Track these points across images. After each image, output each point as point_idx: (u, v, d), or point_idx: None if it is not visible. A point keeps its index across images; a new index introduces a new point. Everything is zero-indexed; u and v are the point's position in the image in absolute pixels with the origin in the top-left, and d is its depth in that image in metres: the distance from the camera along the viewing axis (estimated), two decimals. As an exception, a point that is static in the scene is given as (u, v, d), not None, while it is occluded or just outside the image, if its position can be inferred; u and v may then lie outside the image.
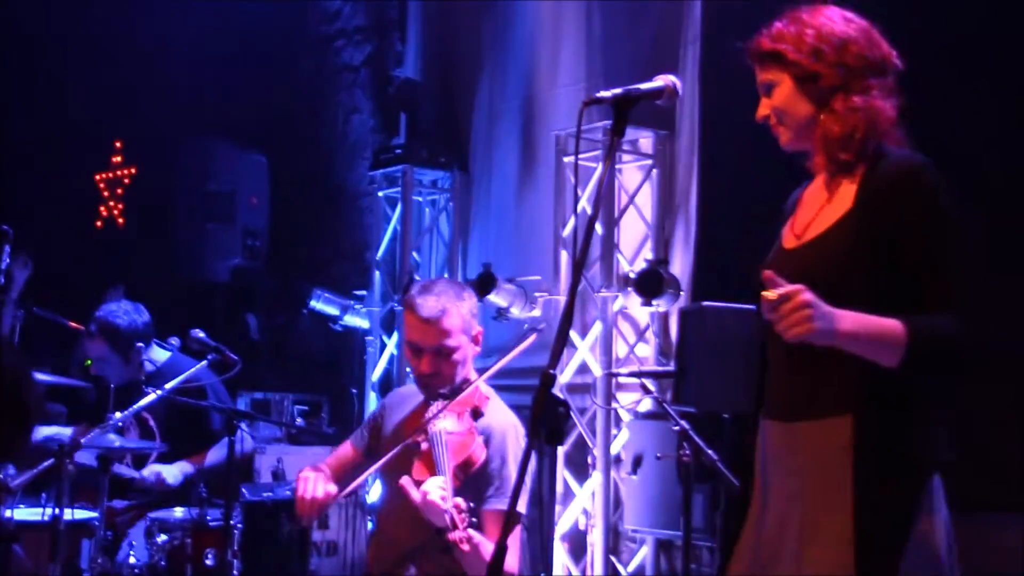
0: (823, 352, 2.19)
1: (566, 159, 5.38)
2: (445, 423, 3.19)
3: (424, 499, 2.95)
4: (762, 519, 2.37)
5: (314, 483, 3.25)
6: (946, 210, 2.27)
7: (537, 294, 5.45)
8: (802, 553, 2.24)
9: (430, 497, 2.93)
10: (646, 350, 5.27)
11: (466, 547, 2.87)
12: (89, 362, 4.85)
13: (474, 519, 2.92)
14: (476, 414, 3.26)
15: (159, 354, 4.78)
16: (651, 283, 4.89)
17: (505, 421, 3.30)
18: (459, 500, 2.91)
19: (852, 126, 2.31)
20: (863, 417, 2.22)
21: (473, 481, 3.19)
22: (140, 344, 4.66)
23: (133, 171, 8.22)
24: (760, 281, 2.19)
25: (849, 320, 2.15)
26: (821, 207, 2.37)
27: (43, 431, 4.56)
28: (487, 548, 3.00)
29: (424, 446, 3.17)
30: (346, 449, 3.58)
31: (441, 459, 3.07)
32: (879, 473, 2.19)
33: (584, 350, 5.28)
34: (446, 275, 6.38)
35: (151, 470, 4.47)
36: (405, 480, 3.07)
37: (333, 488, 3.28)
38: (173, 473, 4.50)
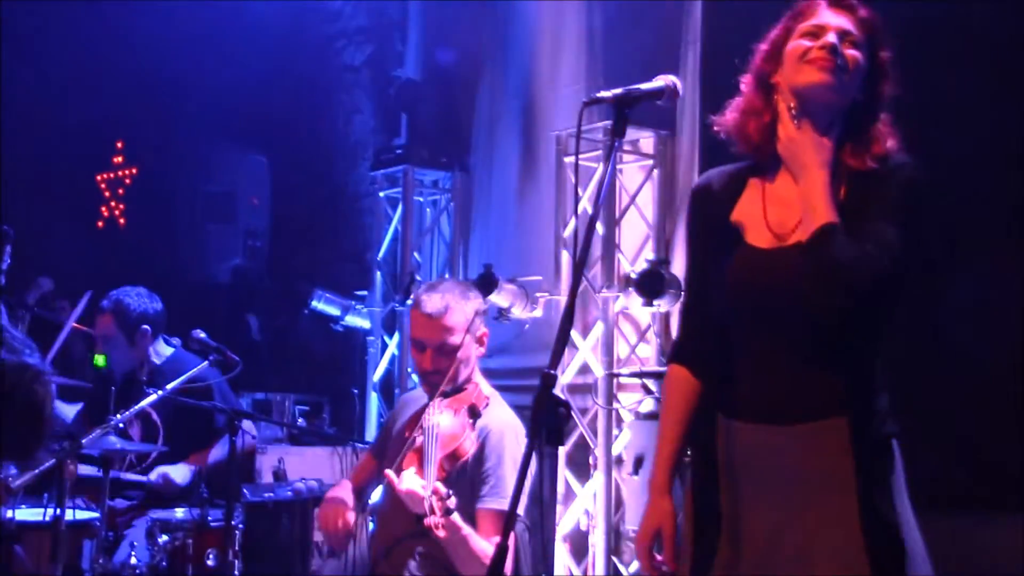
0: (810, 352, 2.24)
1: (567, 159, 5.38)
2: (441, 418, 3.25)
3: (402, 488, 3.06)
4: (739, 527, 2.30)
5: (333, 518, 3.36)
6: (926, 201, 2.28)
7: (538, 294, 5.45)
8: (810, 557, 2.21)
9: (405, 485, 3.04)
10: (647, 350, 5.27)
11: (441, 532, 2.94)
12: (102, 360, 4.81)
13: (452, 505, 2.97)
14: (474, 413, 3.31)
15: (163, 348, 4.77)
16: (652, 283, 4.89)
17: (503, 422, 3.33)
18: (438, 485, 2.97)
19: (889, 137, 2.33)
20: (857, 417, 2.22)
21: (463, 476, 3.24)
22: (147, 328, 4.65)
23: (134, 171, 8.23)
24: (731, 276, 2.26)
25: (821, 176, 2.23)
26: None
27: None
28: (475, 540, 3.10)
29: (419, 440, 3.25)
30: (366, 458, 3.73)
31: (430, 451, 3.14)
32: (875, 469, 2.22)
33: (585, 350, 5.27)
34: (447, 275, 6.38)
35: (158, 472, 4.46)
36: (389, 471, 3.17)
37: (351, 516, 3.39)
38: (181, 472, 4.49)
